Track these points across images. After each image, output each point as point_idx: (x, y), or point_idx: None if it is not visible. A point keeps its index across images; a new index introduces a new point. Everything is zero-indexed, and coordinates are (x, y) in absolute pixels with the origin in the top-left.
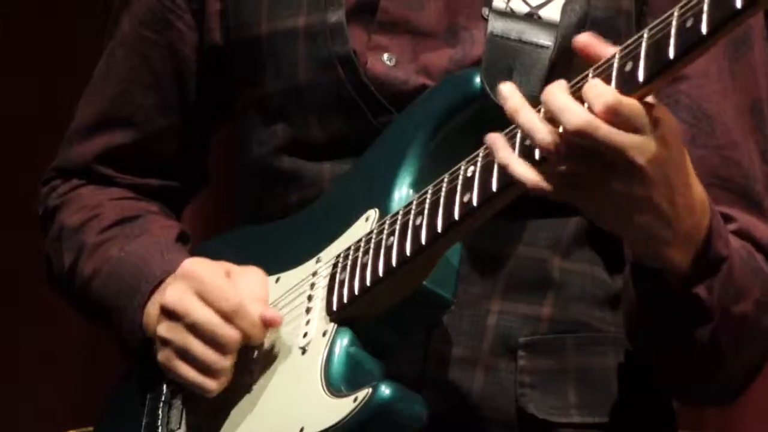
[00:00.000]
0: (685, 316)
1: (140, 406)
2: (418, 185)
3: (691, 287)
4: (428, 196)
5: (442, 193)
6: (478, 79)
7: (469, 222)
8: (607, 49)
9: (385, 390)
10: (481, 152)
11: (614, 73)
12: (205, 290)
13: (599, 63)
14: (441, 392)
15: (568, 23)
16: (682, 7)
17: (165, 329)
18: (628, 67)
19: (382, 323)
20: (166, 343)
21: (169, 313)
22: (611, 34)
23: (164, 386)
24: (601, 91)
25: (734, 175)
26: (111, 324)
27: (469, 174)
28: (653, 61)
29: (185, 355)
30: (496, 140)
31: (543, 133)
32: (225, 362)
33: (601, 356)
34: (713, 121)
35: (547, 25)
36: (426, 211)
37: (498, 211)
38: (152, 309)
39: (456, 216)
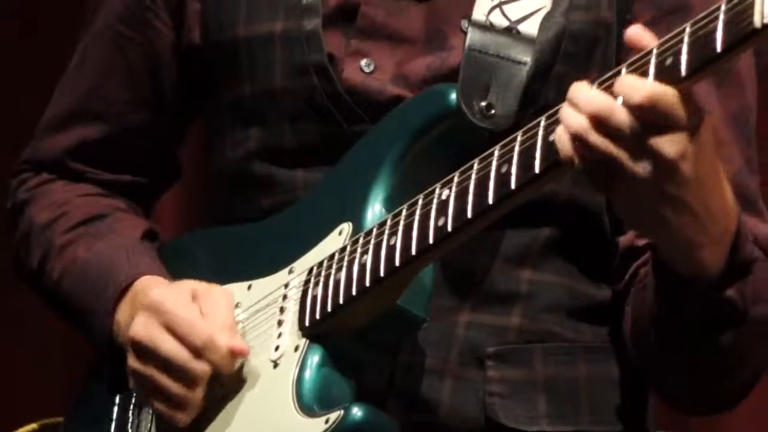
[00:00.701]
0: (714, 320)
1: (110, 406)
2: (391, 200)
3: (723, 290)
4: (402, 217)
5: (416, 216)
6: (454, 96)
7: (444, 245)
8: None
9: (357, 412)
10: (456, 175)
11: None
12: (172, 323)
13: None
14: (409, 402)
15: (544, 39)
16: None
17: (134, 363)
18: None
19: (354, 341)
20: (136, 376)
21: (138, 348)
22: (589, 47)
23: None
24: (639, 84)
25: (728, 172)
26: (82, 324)
27: (443, 197)
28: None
29: (155, 389)
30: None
31: (571, 117)
32: (195, 395)
33: (572, 366)
34: None
35: (526, 40)
36: (400, 233)
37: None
38: (121, 316)
39: (430, 240)
